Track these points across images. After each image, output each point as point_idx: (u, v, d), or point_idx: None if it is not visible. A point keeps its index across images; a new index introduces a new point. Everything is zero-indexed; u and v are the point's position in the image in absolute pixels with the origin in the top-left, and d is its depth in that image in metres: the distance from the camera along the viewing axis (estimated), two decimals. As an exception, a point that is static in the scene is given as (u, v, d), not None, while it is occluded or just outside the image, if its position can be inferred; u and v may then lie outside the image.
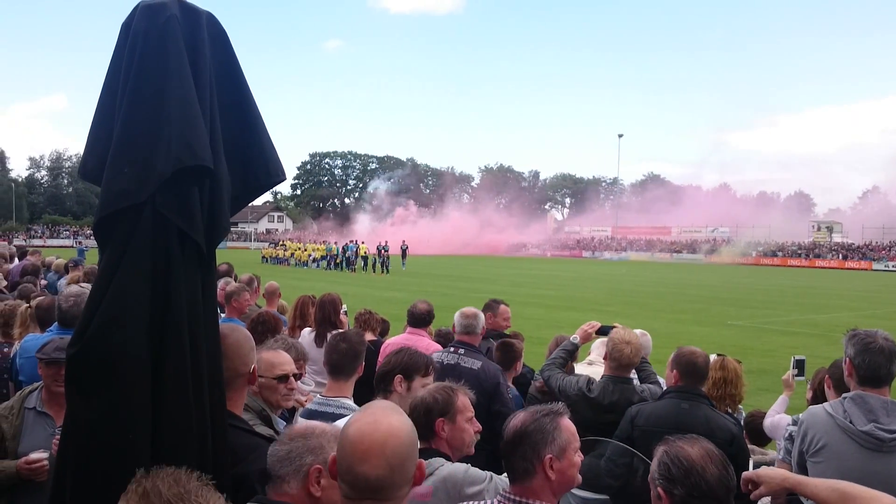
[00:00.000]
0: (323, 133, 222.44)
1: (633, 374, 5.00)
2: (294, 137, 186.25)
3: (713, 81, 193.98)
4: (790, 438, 4.15)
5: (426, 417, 3.12)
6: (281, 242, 70.28)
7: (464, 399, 3.25)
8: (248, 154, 2.55)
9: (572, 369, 5.47)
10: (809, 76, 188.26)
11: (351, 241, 54.96)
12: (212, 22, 2.45)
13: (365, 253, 50.94)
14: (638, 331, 6.03)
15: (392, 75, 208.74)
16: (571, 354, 5.34)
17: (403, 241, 53.62)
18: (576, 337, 5.31)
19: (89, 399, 2.17)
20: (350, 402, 3.95)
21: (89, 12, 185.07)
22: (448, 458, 3.14)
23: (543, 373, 5.16)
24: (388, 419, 2.03)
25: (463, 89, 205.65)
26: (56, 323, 4.86)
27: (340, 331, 4.92)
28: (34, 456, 3.55)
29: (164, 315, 2.23)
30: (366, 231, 76.03)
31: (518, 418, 2.65)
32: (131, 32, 2.32)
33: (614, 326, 5.16)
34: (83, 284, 6.64)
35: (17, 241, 52.14)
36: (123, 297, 2.19)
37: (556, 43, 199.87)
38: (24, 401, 3.82)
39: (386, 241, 51.51)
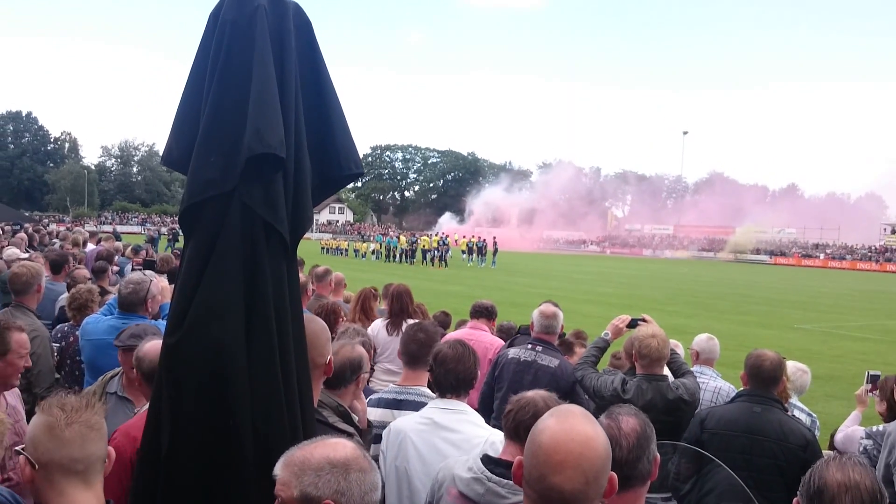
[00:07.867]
0: (386, 126, 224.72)
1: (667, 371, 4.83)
2: (361, 130, 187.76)
3: (782, 79, 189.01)
4: (865, 452, 4.01)
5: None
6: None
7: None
8: (328, 146, 2.54)
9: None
10: (882, 74, 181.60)
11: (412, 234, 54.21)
12: (298, 12, 2.46)
13: (428, 246, 49.81)
14: (704, 335, 5.90)
15: (466, 69, 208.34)
16: (603, 351, 5.19)
17: (494, 238, 51.09)
18: (607, 333, 5.13)
19: (190, 388, 2.21)
20: (427, 391, 3.97)
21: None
22: None
23: (577, 372, 5.05)
24: (583, 427, 1.91)
25: (535, 83, 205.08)
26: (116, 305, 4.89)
27: (417, 321, 4.97)
28: None
29: (254, 307, 2.24)
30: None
31: (630, 424, 2.40)
32: (219, 22, 2.34)
33: (643, 318, 5.02)
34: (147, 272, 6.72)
35: (88, 227, 53.78)
36: (219, 288, 2.21)
37: (626, 38, 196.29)
38: (105, 386, 3.89)
39: (482, 237, 51.21)
